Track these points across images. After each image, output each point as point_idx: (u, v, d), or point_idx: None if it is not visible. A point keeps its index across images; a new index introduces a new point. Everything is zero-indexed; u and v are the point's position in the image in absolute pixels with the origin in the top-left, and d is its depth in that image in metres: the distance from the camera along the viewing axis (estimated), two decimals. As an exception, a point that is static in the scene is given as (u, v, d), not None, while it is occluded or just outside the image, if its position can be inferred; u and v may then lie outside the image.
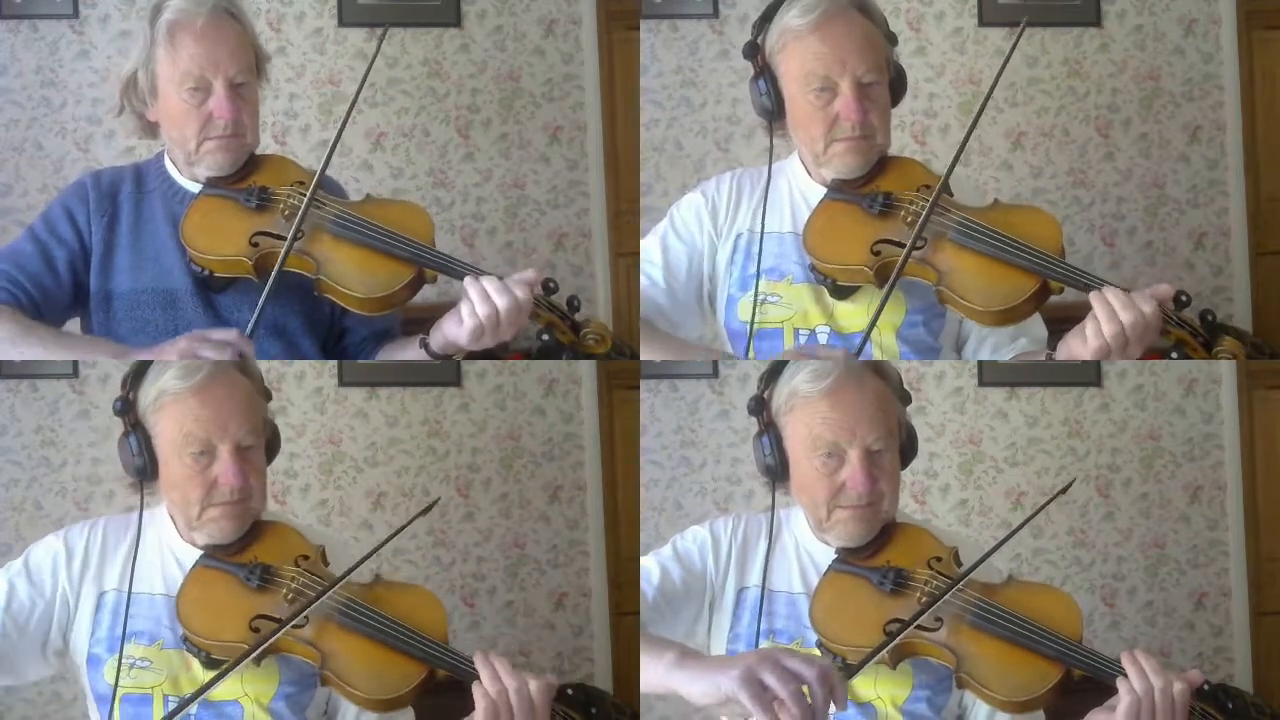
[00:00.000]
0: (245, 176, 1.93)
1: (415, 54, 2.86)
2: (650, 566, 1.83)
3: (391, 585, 1.80)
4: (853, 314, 1.90)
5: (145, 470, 1.78)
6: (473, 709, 1.66)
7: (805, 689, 1.51)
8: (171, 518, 1.82)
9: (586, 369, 2.86)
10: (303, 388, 2.82)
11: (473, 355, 1.90)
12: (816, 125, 1.87)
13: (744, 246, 1.96)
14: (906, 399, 1.82)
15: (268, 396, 1.84)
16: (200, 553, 1.78)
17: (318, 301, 1.94)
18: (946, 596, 1.70)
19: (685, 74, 2.90)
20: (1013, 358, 1.99)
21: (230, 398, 1.76)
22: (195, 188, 1.96)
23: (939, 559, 1.75)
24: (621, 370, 2.84)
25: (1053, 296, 1.81)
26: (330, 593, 1.72)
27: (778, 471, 1.80)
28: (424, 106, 2.87)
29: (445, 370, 2.84)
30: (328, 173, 1.93)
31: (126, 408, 1.78)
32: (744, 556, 1.85)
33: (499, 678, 1.66)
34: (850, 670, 1.67)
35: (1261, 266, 2.92)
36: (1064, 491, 1.88)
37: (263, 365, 1.89)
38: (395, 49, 2.84)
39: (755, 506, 2.70)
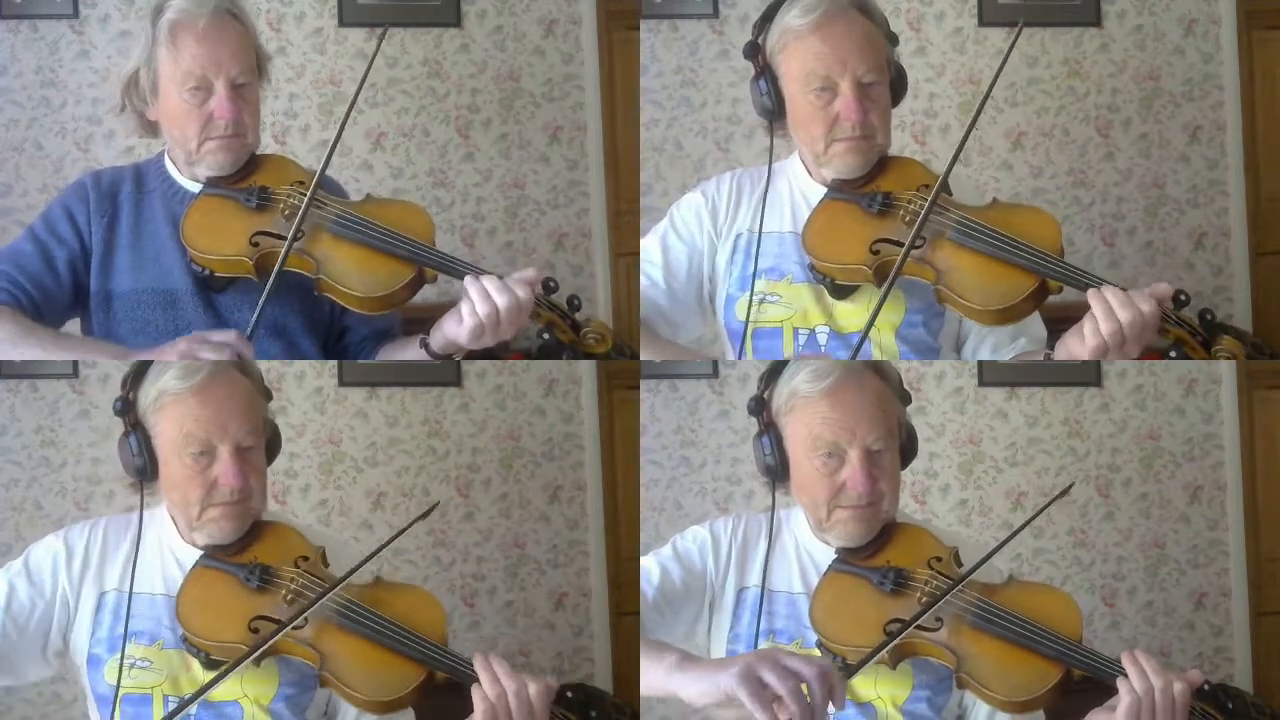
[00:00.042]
0: (246, 176, 1.94)
1: (415, 54, 2.86)
2: (650, 566, 1.83)
3: (391, 586, 1.80)
4: (852, 314, 1.90)
5: (145, 470, 1.78)
6: (473, 710, 1.66)
7: (804, 687, 1.51)
8: (172, 518, 1.82)
9: (586, 369, 2.86)
10: (303, 388, 2.82)
11: (473, 355, 1.90)
12: (817, 125, 1.87)
13: (744, 246, 1.96)
14: (906, 399, 1.82)
15: (268, 396, 1.84)
16: (200, 553, 1.78)
17: (318, 301, 1.94)
18: (947, 597, 1.70)
19: (685, 74, 2.90)
20: (1012, 358, 1.99)
21: (230, 398, 1.76)
22: (195, 188, 1.96)
23: (939, 559, 1.75)
24: (621, 370, 2.84)
25: (1051, 296, 1.81)
26: (330, 595, 1.72)
27: (778, 471, 1.80)
28: (424, 106, 2.87)
29: (445, 370, 2.84)
30: (328, 173, 1.94)
31: (126, 408, 1.78)
32: (744, 556, 1.85)
33: (498, 680, 1.66)
34: (850, 670, 1.66)
35: (1261, 266, 2.92)
36: (1063, 495, 1.88)
37: (263, 365, 1.89)
38: (395, 49, 2.84)
39: (755, 506, 2.70)
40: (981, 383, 2.87)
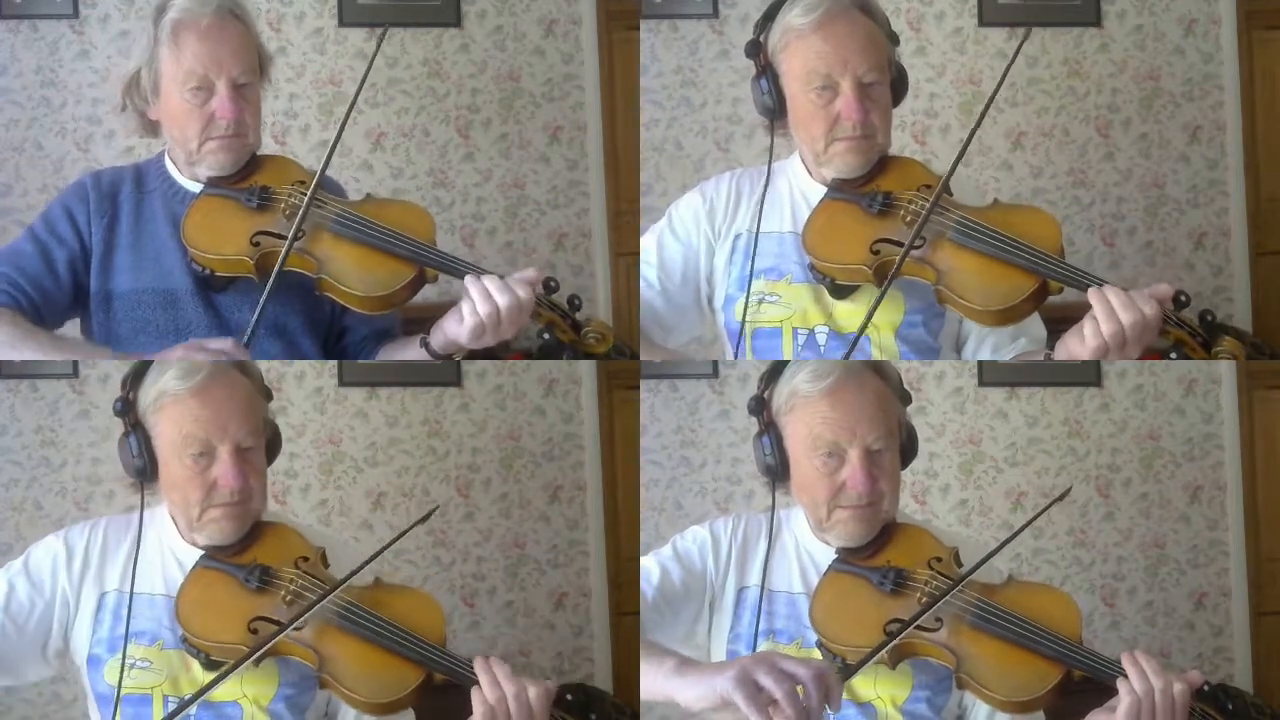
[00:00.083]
0: (246, 176, 1.94)
1: (415, 54, 2.86)
2: (650, 567, 1.83)
3: (390, 588, 1.80)
4: (852, 314, 1.90)
5: (145, 471, 1.78)
6: (473, 712, 1.66)
7: (800, 690, 1.51)
8: (173, 518, 1.82)
9: (586, 369, 2.86)
10: (303, 388, 2.82)
11: (473, 355, 1.90)
12: (817, 124, 1.87)
13: (743, 247, 1.96)
14: (906, 399, 1.82)
15: (268, 396, 1.84)
16: (201, 553, 1.78)
17: (318, 301, 1.94)
18: (947, 597, 1.70)
19: (685, 74, 2.90)
20: (1012, 358, 1.99)
21: (230, 399, 1.76)
22: (196, 187, 1.96)
23: (939, 559, 1.75)
24: (621, 370, 2.84)
25: (1052, 296, 1.81)
26: (330, 597, 1.72)
27: (778, 471, 1.80)
28: (424, 106, 2.87)
29: (445, 370, 2.84)
30: (327, 173, 1.93)
31: (126, 408, 1.78)
32: (744, 556, 1.85)
33: (498, 683, 1.65)
34: (850, 670, 1.67)
35: (1261, 266, 2.92)
36: (1062, 498, 1.88)
37: (263, 365, 1.89)
38: (395, 49, 2.84)
39: (755, 506, 2.70)
40: (981, 383, 2.87)
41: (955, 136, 2.86)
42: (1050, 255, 1.79)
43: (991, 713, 1.75)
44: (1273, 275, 2.92)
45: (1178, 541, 2.88)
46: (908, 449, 1.82)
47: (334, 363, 2.78)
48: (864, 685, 1.76)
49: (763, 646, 1.80)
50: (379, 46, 2.02)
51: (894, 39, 1.91)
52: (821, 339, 1.91)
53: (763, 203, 1.95)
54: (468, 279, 1.82)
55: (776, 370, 1.81)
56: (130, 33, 2.75)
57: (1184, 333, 1.75)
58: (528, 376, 2.85)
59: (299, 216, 1.86)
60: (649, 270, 2.00)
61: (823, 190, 1.92)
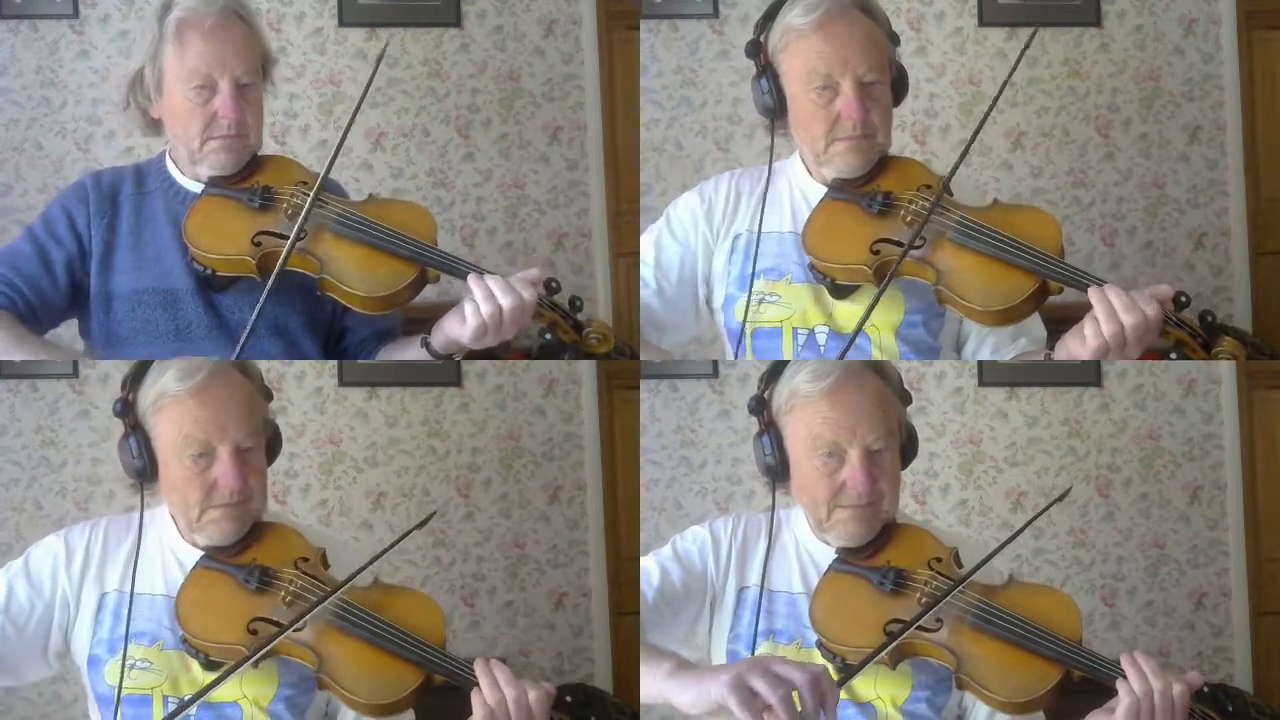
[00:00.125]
0: (248, 176, 1.94)
1: (415, 54, 2.86)
2: (650, 567, 1.83)
3: (390, 589, 1.80)
4: (852, 314, 1.90)
5: (145, 472, 1.77)
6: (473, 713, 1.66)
7: (796, 695, 1.51)
8: (173, 518, 1.82)
9: (587, 369, 2.86)
10: (303, 388, 2.82)
11: (473, 355, 1.90)
12: (818, 124, 1.87)
13: (743, 247, 1.96)
14: (907, 399, 1.82)
15: (268, 397, 1.84)
16: (201, 553, 1.78)
17: (319, 301, 1.94)
18: (947, 598, 1.70)
19: (685, 74, 2.90)
20: (1012, 358, 1.99)
21: (230, 399, 1.76)
22: (197, 187, 1.96)
23: (939, 559, 1.75)
24: (621, 370, 2.84)
25: (1052, 296, 1.81)
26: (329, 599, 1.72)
27: (778, 471, 1.80)
28: (424, 106, 2.87)
29: (445, 370, 2.84)
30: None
31: (126, 409, 1.78)
32: (744, 556, 1.85)
33: (498, 686, 1.65)
34: (850, 670, 1.67)
35: (1261, 266, 2.92)
36: (1062, 498, 1.88)
37: (263, 365, 1.89)
38: (395, 49, 2.84)
39: (755, 506, 2.70)
40: (981, 383, 2.87)
41: (955, 136, 2.86)
42: (1050, 255, 1.79)
43: (991, 713, 1.75)
44: (1273, 275, 2.93)
45: (1178, 541, 2.88)
46: (908, 449, 1.82)
47: (334, 363, 2.78)
48: (864, 685, 1.76)
49: (763, 646, 1.80)
50: (380, 58, 2.00)
51: (894, 39, 1.91)
52: (821, 339, 1.91)
53: (764, 202, 1.95)
54: (470, 279, 1.82)
55: (776, 370, 1.81)
56: (130, 33, 2.75)
57: (1184, 333, 1.75)
58: (528, 376, 2.85)
59: (301, 216, 1.86)
60: (646, 270, 2.00)
61: (823, 190, 1.92)
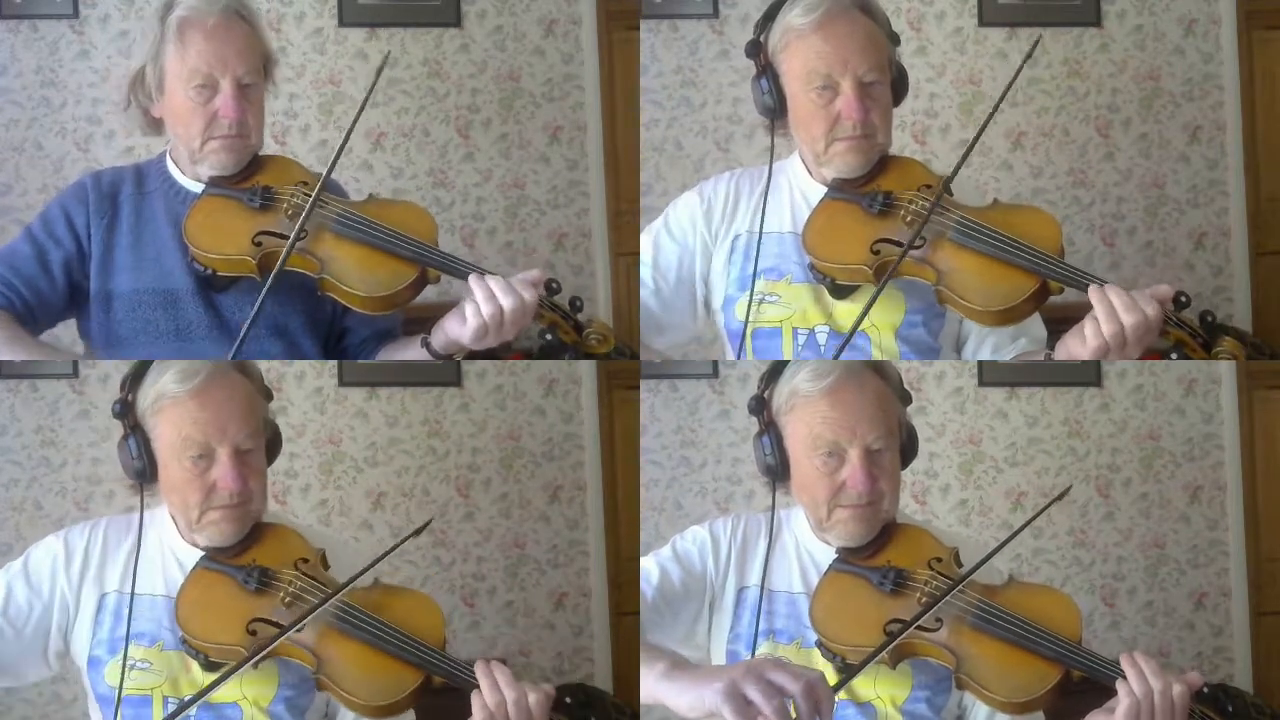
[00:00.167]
0: (249, 176, 1.93)
1: (415, 54, 2.86)
2: (650, 567, 1.83)
3: (390, 590, 1.80)
4: (852, 314, 1.90)
5: (145, 473, 1.77)
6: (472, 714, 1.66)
7: (792, 703, 1.51)
8: (173, 519, 1.82)
9: (587, 369, 2.86)
10: (303, 388, 2.82)
11: (473, 355, 1.90)
12: (818, 124, 1.87)
13: (743, 247, 1.96)
14: (907, 399, 1.82)
15: (268, 397, 1.84)
16: (201, 554, 1.78)
17: (319, 301, 1.94)
18: (947, 598, 1.70)
19: (685, 74, 2.90)
20: (1012, 358, 1.99)
21: (229, 400, 1.76)
22: (197, 188, 1.96)
23: (939, 559, 1.75)
24: (621, 370, 2.84)
25: (1052, 296, 1.81)
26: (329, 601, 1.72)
27: (778, 471, 1.80)
28: (424, 106, 2.87)
29: (445, 370, 2.84)
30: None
31: (126, 410, 1.78)
32: (744, 556, 1.85)
33: (499, 688, 1.65)
34: (850, 670, 1.67)
35: (1261, 266, 2.92)
36: (1061, 498, 1.88)
37: (263, 365, 1.89)
38: (395, 49, 2.84)
39: (755, 506, 2.70)
40: (981, 383, 2.87)
41: (955, 136, 2.86)
42: (1050, 255, 1.79)
43: (991, 713, 1.75)
44: (1273, 275, 2.93)
45: (1178, 541, 2.88)
46: (908, 449, 1.82)
47: (334, 363, 2.78)
48: (864, 685, 1.76)
49: (763, 646, 1.80)
50: (381, 69, 1.99)
51: (894, 39, 1.91)
52: (821, 339, 1.91)
53: (765, 202, 1.95)
54: (471, 279, 1.82)
55: (776, 370, 1.81)
56: (130, 32, 2.75)
57: (1184, 333, 1.75)
58: (528, 376, 2.85)
59: (302, 216, 1.86)
60: (644, 270, 2.00)
61: (823, 190, 1.92)
